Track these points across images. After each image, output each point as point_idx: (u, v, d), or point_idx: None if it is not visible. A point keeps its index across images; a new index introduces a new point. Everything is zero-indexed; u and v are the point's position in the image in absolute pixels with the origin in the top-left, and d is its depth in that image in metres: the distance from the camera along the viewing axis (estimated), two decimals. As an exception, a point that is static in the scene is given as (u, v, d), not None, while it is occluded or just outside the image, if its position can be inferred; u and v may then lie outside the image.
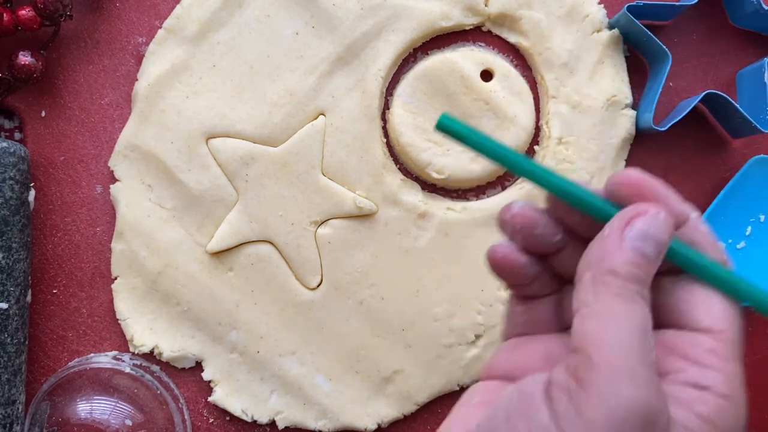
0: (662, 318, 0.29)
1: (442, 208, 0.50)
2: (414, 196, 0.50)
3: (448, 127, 0.31)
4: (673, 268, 0.30)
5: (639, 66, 0.52)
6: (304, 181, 0.49)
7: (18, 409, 0.47)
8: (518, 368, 0.31)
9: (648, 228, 0.28)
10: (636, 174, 0.29)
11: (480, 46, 0.51)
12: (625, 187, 0.29)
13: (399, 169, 0.51)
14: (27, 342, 0.48)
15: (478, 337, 0.50)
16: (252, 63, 0.49)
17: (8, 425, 0.46)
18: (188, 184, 0.49)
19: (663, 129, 0.48)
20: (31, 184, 0.48)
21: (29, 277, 0.48)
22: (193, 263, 0.49)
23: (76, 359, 0.50)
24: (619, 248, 0.28)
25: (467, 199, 0.51)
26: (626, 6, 0.48)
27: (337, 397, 0.49)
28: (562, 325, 0.32)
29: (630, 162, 0.51)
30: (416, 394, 0.50)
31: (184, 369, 0.50)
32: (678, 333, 0.29)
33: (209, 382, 0.50)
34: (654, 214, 0.28)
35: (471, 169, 0.50)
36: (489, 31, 0.51)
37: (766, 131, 0.48)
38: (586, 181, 0.50)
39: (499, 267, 0.32)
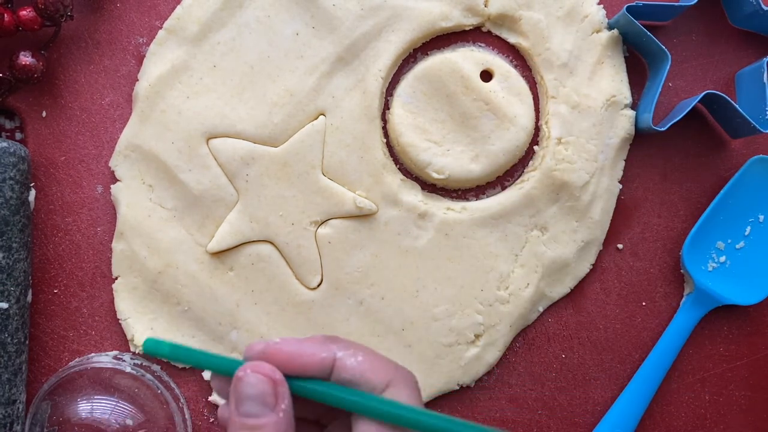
0: None
1: (442, 208, 0.50)
2: (414, 196, 0.50)
3: (153, 351, 0.33)
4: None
5: (638, 66, 0.52)
6: (304, 181, 0.49)
7: (19, 408, 0.47)
8: None
9: (242, 391, 0.31)
10: (258, 345, 0.32)
11: (480, 46, 0.51)
12: (254, 356, 0.32)
13: (399, 169, 0.51)
14: (27, 342, 0.48)
15: (477, 336, 0.50)
16: (252, 63, 0.49)
17: (9, 425, 0.46)
18: (189, 184, 0.49)
19: (662, 129, 0.48)
20: (32, 184, 0.49)
21: (30, 277, 0.48)
22: (193, 263, 0.49)
23: (77, 359, 0.50)
24: (233, 421, 0.31)
25: (467, 199, 0.51)
26: (626, 6, 0.48)
27: (338, 397, 0.49)
28: None
29: (629, 162, 0.52)
30: (416, 394, 0.50)
31: (184, 368, 0.50)
32: None
33: (210, 381, 0.50)
34: (240, 377, 0.31)
35: (471, 169, 0.50)
36: (489, 32, 0.51)
37: (765, 131, 0.48)
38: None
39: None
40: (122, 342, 0.50)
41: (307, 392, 0.32)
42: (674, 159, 0.52)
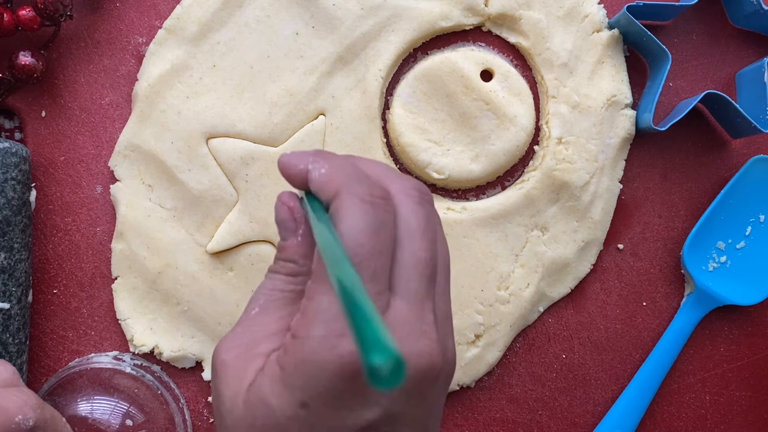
0: None
1: (442, 208, 0.50)
2: (414, 196, 0.50)
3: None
4: None
5: (639, 66, 0.52)
6: (304, 181, 0.49)
7: (18, 408, 0.47)
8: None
9: (275, 218, 0.34)
10: (280, 159, 0.33)
11: (480, 46, 0.51)
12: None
13: (399, 169, 0.51)
14: (28, 342, 0.48)
15: (478, 336, 0.50)
16: (252, 63, 0.49)
17: (9, 425, 0.46)
18: (188, 184, 0.49)
19: (663, 129, 0.48)
20: (33, 185, 0.49)
21: (30, 278, 0.48)
22: (193, 263, 0.49)
23: (77, 359, 0.50)
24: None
25: (467, 199, 0.51)
26: (626, 6, 0.48)
27: (338, 397, 0.49)
28: None
29: (630, 162, 0.52)
30: (416, 394, 0.50)
31: (184, 369, 0.50)
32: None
33: (209, 382, 0.50)
34: (276, 201, 0.34)
35: (471, 169, 0.50)
36: (489, 32, 0.51)
37: (765, 131, 0.48)
38: (585, 181, 0.50)
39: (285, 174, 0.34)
40: (122, 342, 0.50)
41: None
42: (675, 159, 0.52)
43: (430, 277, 0.30)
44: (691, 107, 0.48)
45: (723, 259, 0.52)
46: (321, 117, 0.49)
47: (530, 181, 0.50)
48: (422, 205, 0.31)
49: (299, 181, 0.32)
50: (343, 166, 0.31)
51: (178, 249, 0.49)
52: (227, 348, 0.32)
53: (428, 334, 0.29)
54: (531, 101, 0.50)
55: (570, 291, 0.51)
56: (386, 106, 0.51)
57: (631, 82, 0.51)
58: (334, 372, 0.28)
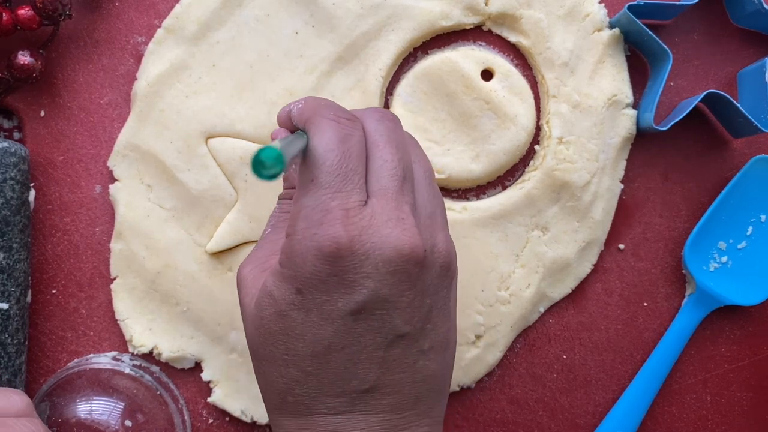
0: None
1: (443, 208, 0.50)
2: (414, 196, 0.50)
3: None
4: None
5: (640, 65, 0.52)
6: (303, 181, 0.49)
7: (17, 409, 0.47)
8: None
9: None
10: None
11: (480, 45, 0.51)
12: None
13: (399, 168, 0.51)
14: (27, 342, 0.48)
15: (478, 337, 0.50)
16: (252, 62, 0.49)
17: (7, 426, 0.46)
18: (188, 184, 0.49)
19: (664, 129, 0.48)
20: (32, 185, 0.48)
21: (29, 278, 0.48)
22: (192, 263, 0.49)
23: (76, 360, 0.49)
24: None
25: (467, 199, 0.51)
26: (627, 5, 0.48)
27: (337, 398, 0.49)
28: None
29: (631, 162, 0.51)
30: (416, 395, 0.49)
31: (183, 369, 0.50)
32: None
33: (209, 382, 0.50)
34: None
35: (471, 169, 0.49)
36: (489, 31, 0.51)
37: (766, 131, 0.48)
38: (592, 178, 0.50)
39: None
40: (121, 343, 0.50)
41: None
42: (676, 159, 0.52)
43: (402, 178, 0.34)
44: (692, 107, 0.48)
45: (724, 259, 0.51)
46: (321, 117, 0.49)
47: (531, 180, 0.50)
48: (382, 121, 0.36)
49: (288, 123, 0.37)
50: (316, 99, 0.36)
51: (178, 249, 0.49)
52: (245, 265, 0.38)
53: (405, 221, 0.33)
54: (531, 101, 0.50)
55: (571, 291, 0.51)
56: (386, 106, 0.51)
57: (632, 82, 0.51)
58: (316, 256, 0.32)
